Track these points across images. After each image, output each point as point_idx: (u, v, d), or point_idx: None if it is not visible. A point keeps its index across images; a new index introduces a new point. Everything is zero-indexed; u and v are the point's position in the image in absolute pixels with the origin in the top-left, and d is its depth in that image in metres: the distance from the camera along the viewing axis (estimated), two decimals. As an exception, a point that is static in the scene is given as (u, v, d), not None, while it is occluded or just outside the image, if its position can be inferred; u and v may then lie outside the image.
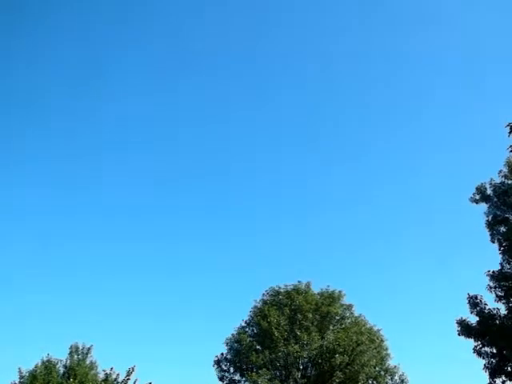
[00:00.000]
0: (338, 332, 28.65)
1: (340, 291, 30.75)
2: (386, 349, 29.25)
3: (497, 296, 19.67)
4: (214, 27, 79.17)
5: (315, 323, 28.99)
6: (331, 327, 29.70)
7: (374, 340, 28.70)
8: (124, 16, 77.30)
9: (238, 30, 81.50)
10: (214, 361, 29.94)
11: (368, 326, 29.65)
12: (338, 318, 30.31)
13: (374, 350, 28.32)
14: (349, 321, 30.19)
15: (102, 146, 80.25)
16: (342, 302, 30.59)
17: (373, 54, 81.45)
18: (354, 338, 27.79)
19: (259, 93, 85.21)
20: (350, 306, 30.71)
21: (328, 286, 31.06)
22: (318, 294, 30.73)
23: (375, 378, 28.33)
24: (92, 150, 78.28)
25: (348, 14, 79.26)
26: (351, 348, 27.43)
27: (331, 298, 30.34)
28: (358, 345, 27.63)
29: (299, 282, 31.21)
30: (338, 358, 27.07)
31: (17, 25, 62.60)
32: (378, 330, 29.72)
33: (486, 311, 19.56)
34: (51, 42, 75.85)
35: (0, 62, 67.84)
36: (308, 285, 31.07)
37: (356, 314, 30.52)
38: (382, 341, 29.28)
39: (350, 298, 31.14)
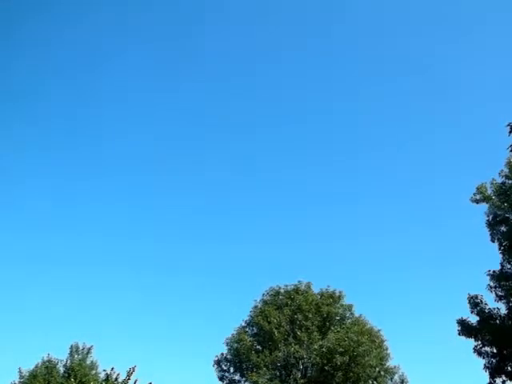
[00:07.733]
0: (339, 332, 28.52)
1: (340, 291, 30.76)
2: (386, 349, 29.19)
3: (497, 296, 19.69)
4: (214, 28, 79.31)
5: (315, 323, 28.95)
6: (332, 327, 29.61)
7: (374, 340, 28.60)
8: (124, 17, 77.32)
9: (239, 32, 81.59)
10: (214, 361, 29.95)
11: (368, 326, 29.54)
12: (338, 318, 30.23)
13: (375, 351, 28.25)
14: (349, 321, 30.11)
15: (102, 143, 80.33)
16: (343, 303, 30.56)
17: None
18: (355, 338, 27.66)
19: (262, 95, 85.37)
20: (350, 306, 30.67)
21: (328, 286, 31.09)
22: (318, 294, 30.71)
23: (375, 379, 28.26)
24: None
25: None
26: (352, 348, 27.32)
27: (331, 298, 30.32)
28: (359, 345, 27.50)
29: (299, 281, 31.23)
30: (339, 359, 26.97)
31: (16, 24, 62.52)
32: (379, 331, 29.65)
33: (486, 311, 19.57)
34: (50, 42, 75.91)
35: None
36: (308, 285, 31.04)
37: (356, 315, 30.48)
38: (382, 341, 29.20)
39: (350, 298, 31.17)
